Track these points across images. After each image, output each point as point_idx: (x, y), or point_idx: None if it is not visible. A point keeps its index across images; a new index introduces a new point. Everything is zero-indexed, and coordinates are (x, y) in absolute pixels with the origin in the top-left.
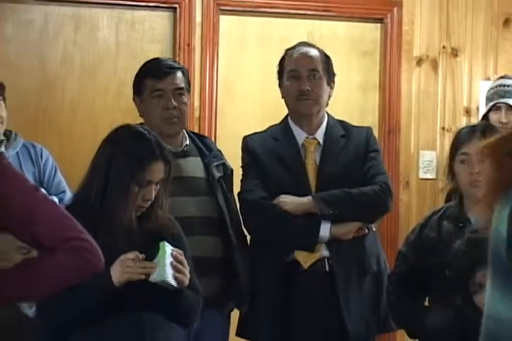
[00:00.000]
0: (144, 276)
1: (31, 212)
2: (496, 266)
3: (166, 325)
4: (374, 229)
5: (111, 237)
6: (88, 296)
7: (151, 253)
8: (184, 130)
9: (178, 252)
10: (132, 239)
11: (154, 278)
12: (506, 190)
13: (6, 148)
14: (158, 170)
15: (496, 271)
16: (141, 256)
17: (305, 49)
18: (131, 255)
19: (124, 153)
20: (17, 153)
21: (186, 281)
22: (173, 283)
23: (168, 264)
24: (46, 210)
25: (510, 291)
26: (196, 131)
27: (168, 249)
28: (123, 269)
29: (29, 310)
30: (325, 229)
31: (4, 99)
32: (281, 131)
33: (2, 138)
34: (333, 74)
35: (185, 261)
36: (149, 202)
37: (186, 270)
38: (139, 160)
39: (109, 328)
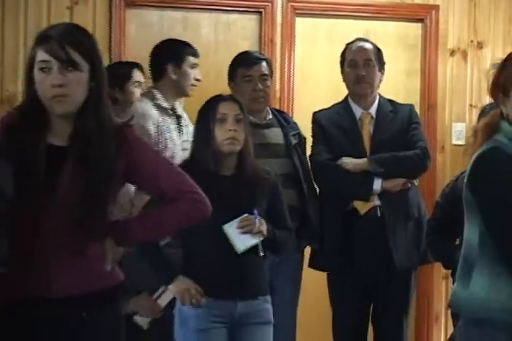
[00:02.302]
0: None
1: (157, 171)
2: (465, 203)
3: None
4: (416, 183)
5: (213, 186)
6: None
7: (246, 200)
8: (268, 107)
9: (242, 218)
10: (232, 186)
11: (240, 250)
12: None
13: None
14: (229, 107)
15: (467, 207)
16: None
17: (361, 43)
18: (194, 289)
19: (207, 104)
20: None
21: (260, 231)
22: (252, 243)
23: (237, 237)
24: (168, 170)
25: (471, 220)
26: (277, 108)
27: (230, 228)
28: (183, 293)
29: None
30: (377, 184)
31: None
32: (342, 108)
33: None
34: (384, 63)
35: (251, 222)
36: (235, 134)
37: (259, 225)
38: (214, 101)
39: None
